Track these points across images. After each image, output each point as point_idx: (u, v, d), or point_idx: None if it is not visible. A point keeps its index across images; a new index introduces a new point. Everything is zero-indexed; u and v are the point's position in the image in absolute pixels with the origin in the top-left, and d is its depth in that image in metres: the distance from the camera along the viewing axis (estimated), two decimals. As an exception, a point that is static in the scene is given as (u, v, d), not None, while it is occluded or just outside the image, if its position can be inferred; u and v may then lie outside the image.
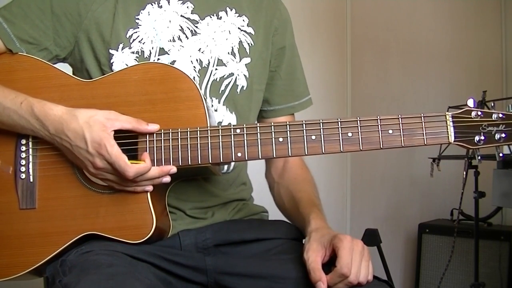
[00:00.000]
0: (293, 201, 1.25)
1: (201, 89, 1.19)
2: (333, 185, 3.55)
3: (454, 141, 1.04)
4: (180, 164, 1.07)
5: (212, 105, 1.21)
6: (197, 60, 1.20)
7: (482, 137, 1.03)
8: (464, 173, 2.63)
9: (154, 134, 1.07)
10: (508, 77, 3.23)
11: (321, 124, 1.06)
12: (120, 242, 1.07)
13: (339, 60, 3.65)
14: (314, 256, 1.04)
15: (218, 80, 1.22)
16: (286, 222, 1.28)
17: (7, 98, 1.09)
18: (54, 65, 1.16)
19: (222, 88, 1.22)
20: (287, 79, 1.35)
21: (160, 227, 1.09)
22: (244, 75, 1.25)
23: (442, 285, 2.81)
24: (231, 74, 1.23)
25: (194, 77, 1.19)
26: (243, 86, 1.25)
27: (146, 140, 1.07)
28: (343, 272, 0.99)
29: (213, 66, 1.21)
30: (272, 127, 1.07)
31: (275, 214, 1.36)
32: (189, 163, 1.07)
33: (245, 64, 1.25)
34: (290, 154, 1.06)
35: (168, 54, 1.18)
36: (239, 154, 1.07)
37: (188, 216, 1.19)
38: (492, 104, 1.06)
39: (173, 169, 1.07)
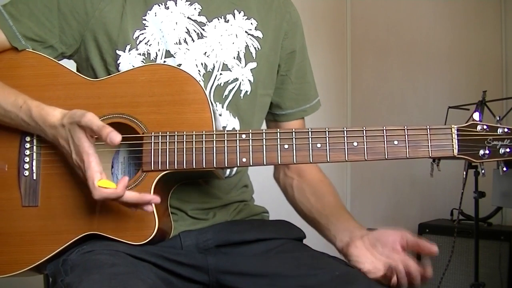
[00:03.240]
0: (327, 201, 1.27)
1: None
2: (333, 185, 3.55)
3: (458, 154, 1.03)
4: (185, 167, 1.06)
5: (217, 110, 1.21)
6: (202, 64, 1.19)
7: (487, 151, 1.03)
8: (464, 173, 2.63)
9: (159, 136, 1.07)
10: (508, 77, 3.23)
11: (327, 132, 1.05)
12: (121, 243, 1.07)
13: (339, 60, 3.66)
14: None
15: (222, 85, 1.21)
16: (287, 222, 1.28)
17: (8, 100, 1.08)
18: (61, 63, 1.15)
19: (226, 93, 1.21)
20: (298, 83, 1.34)
21: (162, 229, 1.09)
22: (249, 80, 1.23)
23: (442, 285, 2.81)
24: (236, 79, 1.22)
25: (199, 80, 1.19)
26: (246, 91, 1.23)
27: (151, 142, 1.07)
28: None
29: (218, 71, 1.20)
30: (278, 133, 1.06)
31: (276, 214, 1.36)
32: (193, 167, 1.06)
33: (251, 69, 1.23)
34: (295, 162, 1.06)
35: (174, 57, 1.17)
36: (244, 160, 1.06)
37: (189, 217, 1.19)
38: (498, 118, 1.06)
39: (156, 199, 1.03)
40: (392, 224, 3.64)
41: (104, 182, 0.99)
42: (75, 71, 1.17)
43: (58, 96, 1.09)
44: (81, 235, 1.08)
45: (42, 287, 1.60)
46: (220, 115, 1.21)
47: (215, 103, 1.20)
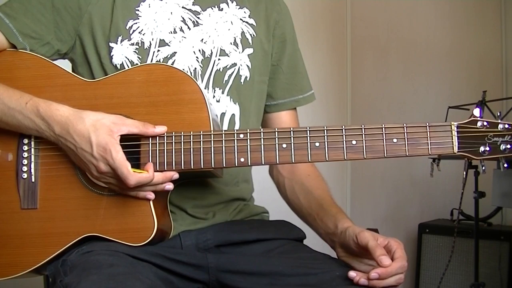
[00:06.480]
0: (313, 198, 1.26)
1: (204, 80, 1.20)
2: (333, 185, 3.54)
3: (458, 151, 1.02)
4: (183, 168, 1.06)
5: (214, 96, 1.21)
6: (199, 50, 1.21)
7: (487, 148, 1.02)
8: (464, 173, 2.63)
9: (157, 137, 1.07)
10: (508, 77, 3.23)
11: (325, 131, 1.05)
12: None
13: (339, 60, 3.65)
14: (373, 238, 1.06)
15: (221, 70, 1.22)
16: (287, 222, 1.28)
17: (12, 98, 1.08)
18: (57, 64, 1.15)
19: (226, 78, 1.22)
20: (289, 72, 1.35)
21: (161, 229, 1.09)
22: (247, 65, 1.25)
23: (442, 285, 2.81)
24: (234, 64, 1.23)
25: (195, 68, 1.20)
26: (246, 77, 1.25)
27: (149, 143, 1.07)
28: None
29: (216, 56, 1.22)
30: (276, 133, 1.06)
31: (275, 214, 1.36)
32: (192, 167, 1.06)
33: (248, 55, 1.25)
34: (293, 161, 1.06)
35: (169, 45, 1.18)
36: (242, 160, 1.06)
37: (189, 215, 1.19)
38: (499, 114, 1.06)
39: (176, 175, 1.07)
40: (392, 224, 3.64)
41: (135, 170, 1.02)
42: (72, 72, 1.17)
43: (55, 98, 1.09)
44: (80, 237, 1.08)
45: (42, 287, 1.59)
46: (218, 101, 1.21)
47: (214, 89, 1.21)
